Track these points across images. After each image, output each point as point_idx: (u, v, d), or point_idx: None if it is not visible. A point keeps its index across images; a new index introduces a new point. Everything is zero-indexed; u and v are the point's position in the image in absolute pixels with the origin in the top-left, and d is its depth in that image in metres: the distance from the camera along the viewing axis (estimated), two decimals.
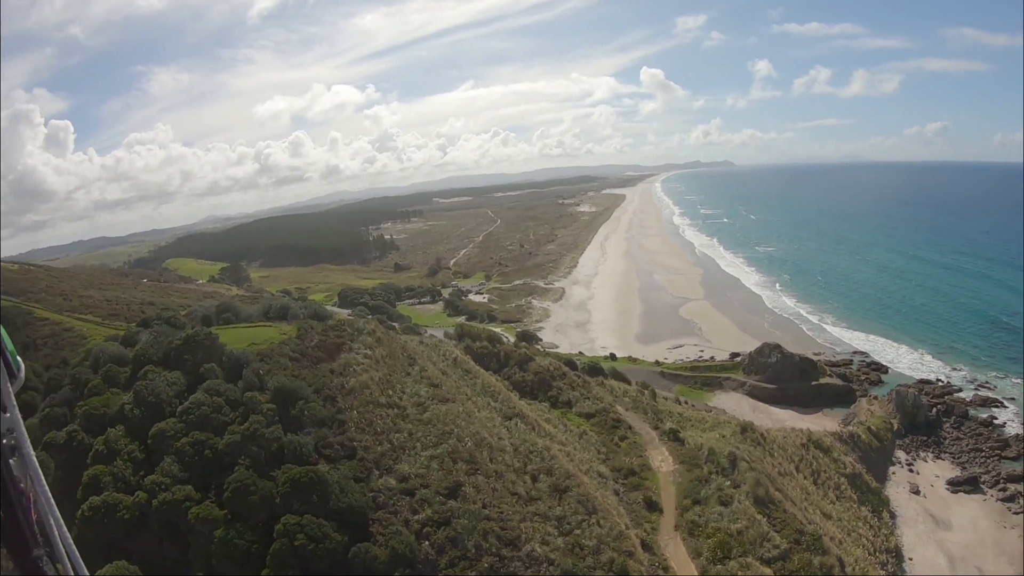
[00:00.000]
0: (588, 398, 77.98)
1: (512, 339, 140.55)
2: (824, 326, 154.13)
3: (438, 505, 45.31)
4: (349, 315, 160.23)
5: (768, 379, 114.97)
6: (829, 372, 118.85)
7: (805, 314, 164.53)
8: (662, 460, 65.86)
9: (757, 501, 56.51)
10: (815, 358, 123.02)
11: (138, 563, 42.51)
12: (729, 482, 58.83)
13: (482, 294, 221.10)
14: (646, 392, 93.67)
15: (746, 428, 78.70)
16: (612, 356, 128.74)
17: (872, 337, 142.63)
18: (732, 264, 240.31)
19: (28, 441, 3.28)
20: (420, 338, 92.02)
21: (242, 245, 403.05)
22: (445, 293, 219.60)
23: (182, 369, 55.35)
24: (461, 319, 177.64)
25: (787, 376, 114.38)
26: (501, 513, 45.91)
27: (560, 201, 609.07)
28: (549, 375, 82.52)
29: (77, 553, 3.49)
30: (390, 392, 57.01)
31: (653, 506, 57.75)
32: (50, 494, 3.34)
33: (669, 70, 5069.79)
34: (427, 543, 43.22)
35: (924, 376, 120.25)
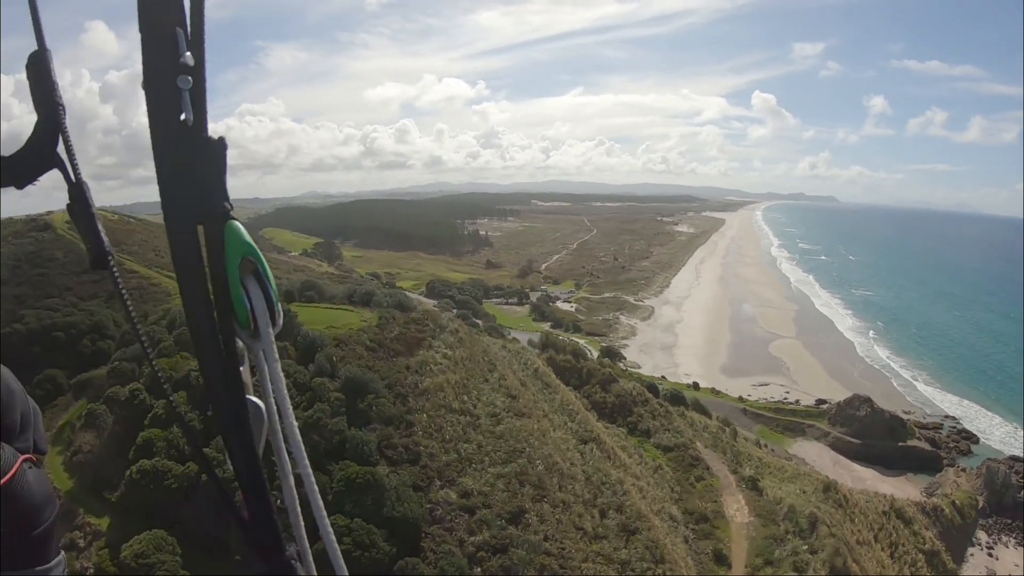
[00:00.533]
0: (668, 430, 73.73)
1: (595, 353, 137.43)
2: (916, 383, 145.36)
3: (497, 530, 42.39)
4: (435, 306, 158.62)
5: (854, 433, 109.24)
6: (918, 435, 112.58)
7: (897, 368, 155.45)
8: (737, 509, 61.90)
9: (833, 571, 52.35)
10: (905, 417, 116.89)
11: (179, 534, 41.16)
12: (806, 546, 54.69)
13: (570, 302, 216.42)
14: (727, 430, 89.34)
15: (829, 486, 73.04)
16: (695, 385, 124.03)
17: (965, 403, 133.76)
18: (827, 304, 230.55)
19: (289, 407, 2.20)
20: (503, 342, 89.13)
21: (339, 223, 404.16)
22: (533, 297, 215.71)
23: None
24: (546, 326, 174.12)
25: (874, 433, 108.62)
26: (563, 549, 42.76)
27: (659, 218, 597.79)
28: (631, 399, 78.10)
29: (339, 554, 2.37)
30: (465, 397, 54.01)
31: (722, 559, 53.95)
32: (313, 478, 2.20)
33: (782, 96, 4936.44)
34: (479, 569, 40.33)
35: (1015, 452, 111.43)
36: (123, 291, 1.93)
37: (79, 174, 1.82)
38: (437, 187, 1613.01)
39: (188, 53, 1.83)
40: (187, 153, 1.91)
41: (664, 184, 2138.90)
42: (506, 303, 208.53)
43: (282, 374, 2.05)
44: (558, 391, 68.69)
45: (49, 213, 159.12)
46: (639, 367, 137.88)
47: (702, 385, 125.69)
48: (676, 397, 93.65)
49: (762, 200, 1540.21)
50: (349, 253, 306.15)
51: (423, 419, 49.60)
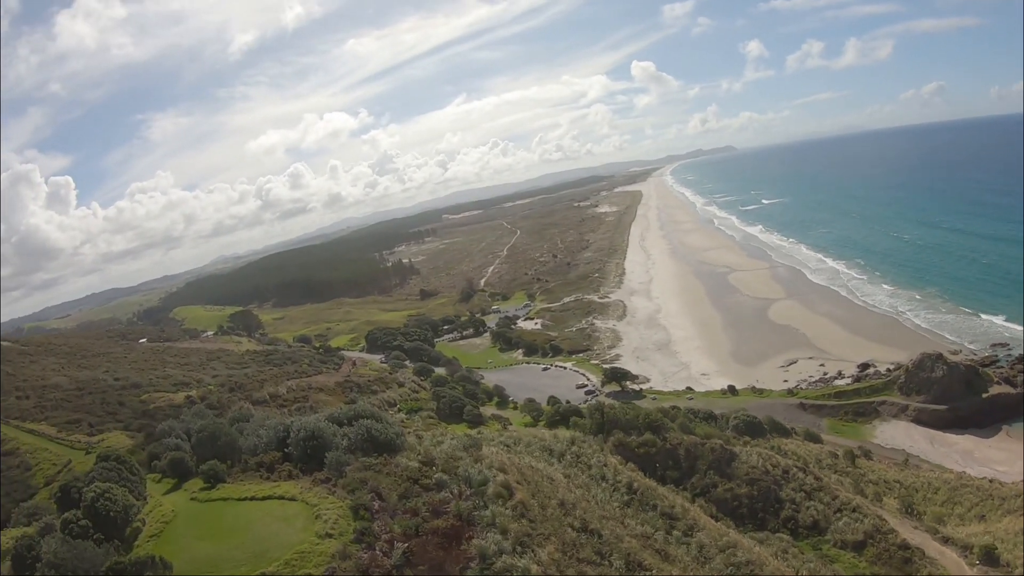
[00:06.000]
0: (843, 510, 45.39)
1: (597, 380, 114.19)
2: (926, 317, 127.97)
3: None
4: (382, 361, 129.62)
5: (935, 399, 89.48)
6: (996, 379, 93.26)
7: (904, 304, 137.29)
8: None
9: None
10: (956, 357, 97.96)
11: None
12: None
13: (532, 319, 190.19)
14: (841, 456, 67.33)
15: None
16: (731, 389, 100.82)
17: (1005, 324, 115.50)
18: (788, 255, 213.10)
19: None
20: (539, 439, 51.38)
21: (252, 285, 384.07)
22: (489, 322, 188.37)
23: None
24: (518, 354, 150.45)
25: (954, 392, 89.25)
26: None
27: (576, 204, 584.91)
28: (772, 481, 48.09)
29: None
30: None
31: None
32: None
33: (660, 62, 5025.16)
34: None
35: None
36: None
37: None
38: (343, 224, 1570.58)
39: None
40: None
41: (565, 171, 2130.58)
42: (461, 337, 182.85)
43: None
44: (695, 522, 38.62)
45: None
46: (648, 381, 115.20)
47: (729, 384, 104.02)
48: (752, 425, 69.84)
49: (664, 164, 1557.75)
50: (269, 316, 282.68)
51: None
